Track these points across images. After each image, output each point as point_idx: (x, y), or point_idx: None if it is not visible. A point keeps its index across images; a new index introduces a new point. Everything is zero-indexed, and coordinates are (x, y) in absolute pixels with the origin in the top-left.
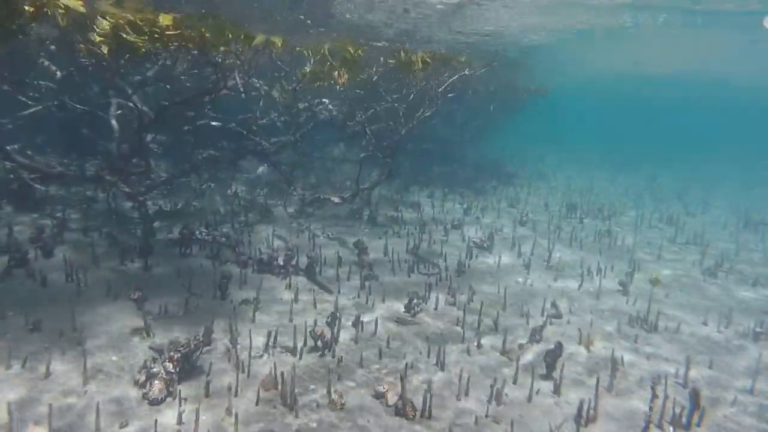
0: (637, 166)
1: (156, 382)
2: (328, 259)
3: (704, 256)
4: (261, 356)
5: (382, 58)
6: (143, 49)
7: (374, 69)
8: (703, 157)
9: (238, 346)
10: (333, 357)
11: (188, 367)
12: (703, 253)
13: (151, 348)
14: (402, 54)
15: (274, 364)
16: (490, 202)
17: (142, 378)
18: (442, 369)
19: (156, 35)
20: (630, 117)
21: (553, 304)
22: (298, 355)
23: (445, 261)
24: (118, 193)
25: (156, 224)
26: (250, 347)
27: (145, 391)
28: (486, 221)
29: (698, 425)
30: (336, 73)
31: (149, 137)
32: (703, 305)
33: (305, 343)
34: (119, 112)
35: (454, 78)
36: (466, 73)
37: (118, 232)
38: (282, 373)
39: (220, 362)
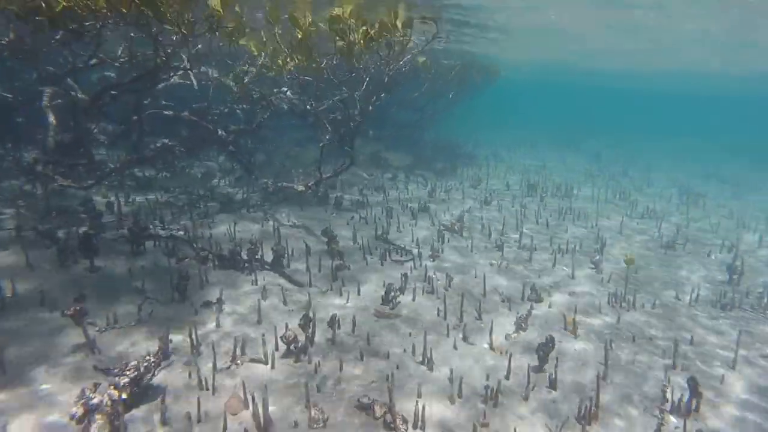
0: (580, 145)
1: (97, 416)
2: (296, 250)
3: (660, 230)
4: (228, 368)
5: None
6: (61, 5)
7: (325, 59)
8: (638, 135)
9: (201, 357)
10: (309, 363)
11: (139, 390)
12: (659, 227)
13: (96, 368)
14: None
15: (243, 382)
16: (453, 183)
17: (80, 411)
18: (431, 369)
19: None
20: (571, 100)
21: (533, 288)
22: (270, 364)
23: (418, 246)
24: (57, 187)
25: (104, 219)
26: (215, 358)
27: (82, 428)
28: (452, 203)
29: (696, 410)
30: (281, 60)
31: (93, 127)
32: (671, 279)
33: (277, 348)
34: (58, 101)
35: (407, 58)
36: (415, 51)
37: (59, 229)
38: (252, 394)
39: (180, 379)
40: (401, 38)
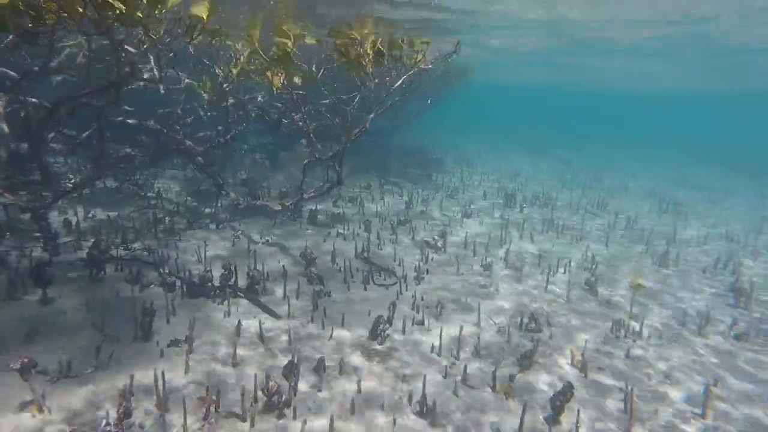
0: (548, 150)
1: None
2: (272, 273)
3: (648, 246)
4: (201, 427)
5: (324, 52)
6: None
7: (316, 66)
8: (602, 141)
9: (169, 412)
10: (295, 419)
11: None
12: (648, 243)
13: None
14: (348, 40)
15: None
16: (429, 193)
17: None
18: (433, 424)
19: None
20: (534, 106)
21: (531, 318)
22: (248, 422)
23: (401, 266)
24: (9, 203)
25: (60, 240)
26: (185, 415)
27: None
28: (431, 215)
29: None
30: (269, 73)
31: (50, 135)
32: (675, 304)
33: (255, 400)
34: (9, 109)
35: (411, 72)
36: (429, 67)
37: (10, 252)
38: None
39: None
40: (414, 57)
